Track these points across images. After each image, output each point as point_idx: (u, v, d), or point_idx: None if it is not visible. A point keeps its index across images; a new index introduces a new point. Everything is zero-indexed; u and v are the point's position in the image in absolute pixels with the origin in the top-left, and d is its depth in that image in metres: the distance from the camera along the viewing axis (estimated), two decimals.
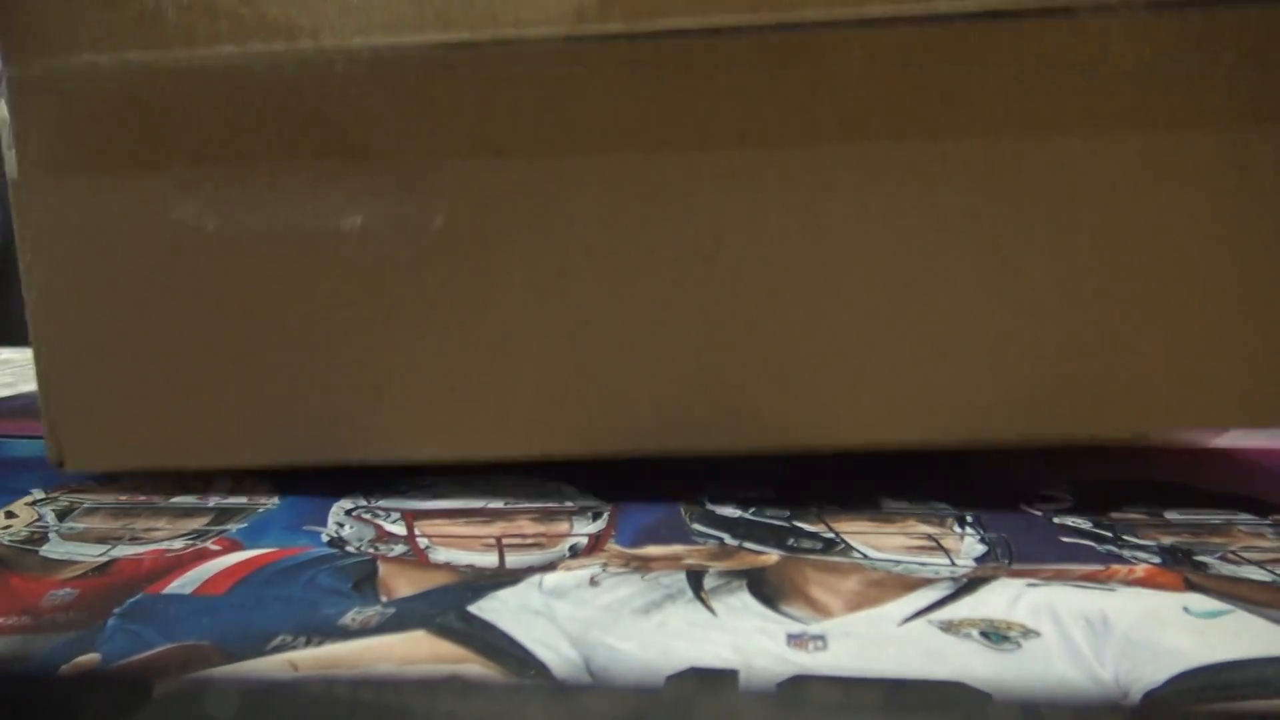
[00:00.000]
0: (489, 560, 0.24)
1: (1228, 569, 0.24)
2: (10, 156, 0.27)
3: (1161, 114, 0.26)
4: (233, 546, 0.25)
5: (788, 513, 0.28)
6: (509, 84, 0.25)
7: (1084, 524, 0.28)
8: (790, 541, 0.26)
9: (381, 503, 0.29)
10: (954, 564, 0.24)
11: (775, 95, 0.25)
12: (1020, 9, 0.25)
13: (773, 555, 0.25)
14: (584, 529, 0.27)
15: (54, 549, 0.25)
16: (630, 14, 0.24)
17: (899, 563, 0.24)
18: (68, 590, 0.22)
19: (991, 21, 0.25)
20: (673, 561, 0.24)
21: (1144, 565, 0.24)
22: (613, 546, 0.25)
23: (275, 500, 0.29)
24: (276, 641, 0.20)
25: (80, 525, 0.26)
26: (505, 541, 0.26)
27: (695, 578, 0.23)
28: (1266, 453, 0.37)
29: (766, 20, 0.24)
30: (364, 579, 0.23)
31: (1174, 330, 0.27)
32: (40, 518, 0.27)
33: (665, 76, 0.24)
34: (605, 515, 0.28)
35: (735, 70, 0.25)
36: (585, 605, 0.22)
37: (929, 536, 0.26)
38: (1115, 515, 0.29)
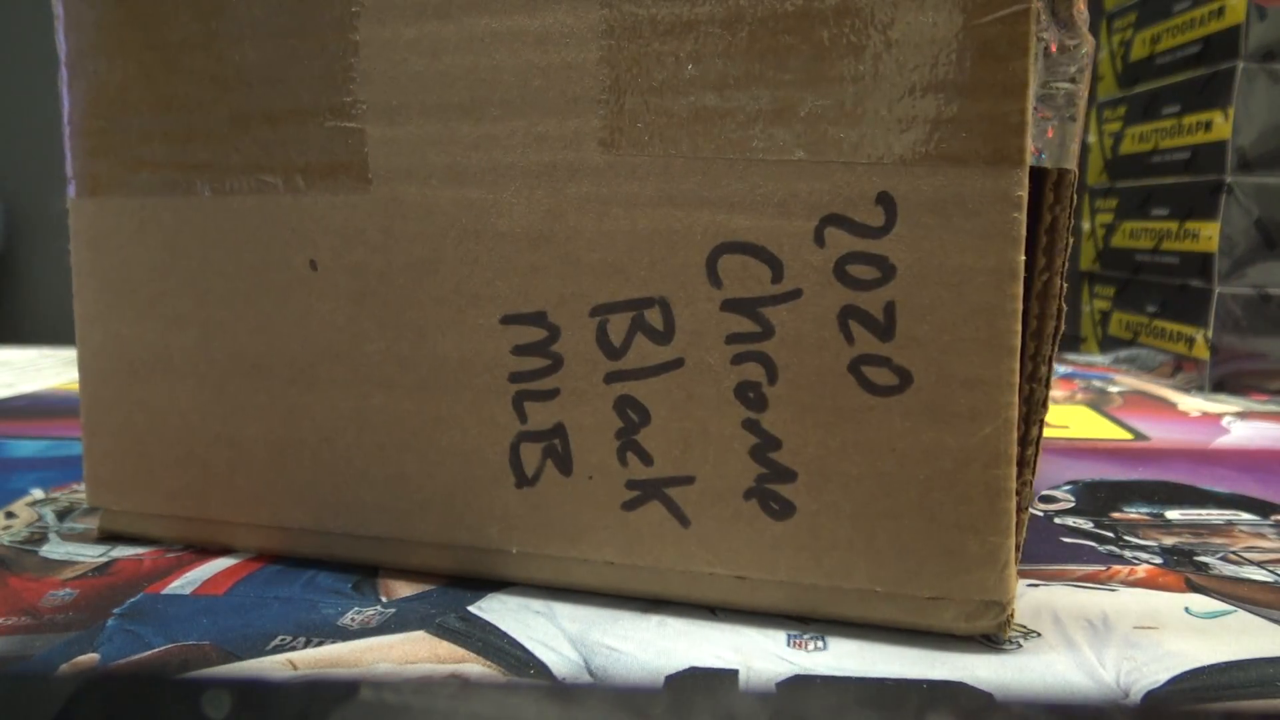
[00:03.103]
0: None
1: (1229, 569, 0.24)
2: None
3: None
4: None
5: None
6: None
7: (1085, 524, 0.28)
8: None
9: None
10: None
11: None
12: None
13: None
14: None
15: (54, 549, 0.25)
16: None
17: None
18: (68, 590, 0.22)
19: None
20: None
21: (1145, 566, 0.24)
22: None
23: None
24: (276, 641, 0.20)
25: (80, 525, 0.26)
26: None
27: None
28: (1267, 453, 0.37)
29: None
30: (364, 579, 0.23)
31: None
32: (40, 518, 0.27)
33: None
34: None
35: None
36: (585, 605, 0.22)
37: None
38: (1116, 516, 0.29)
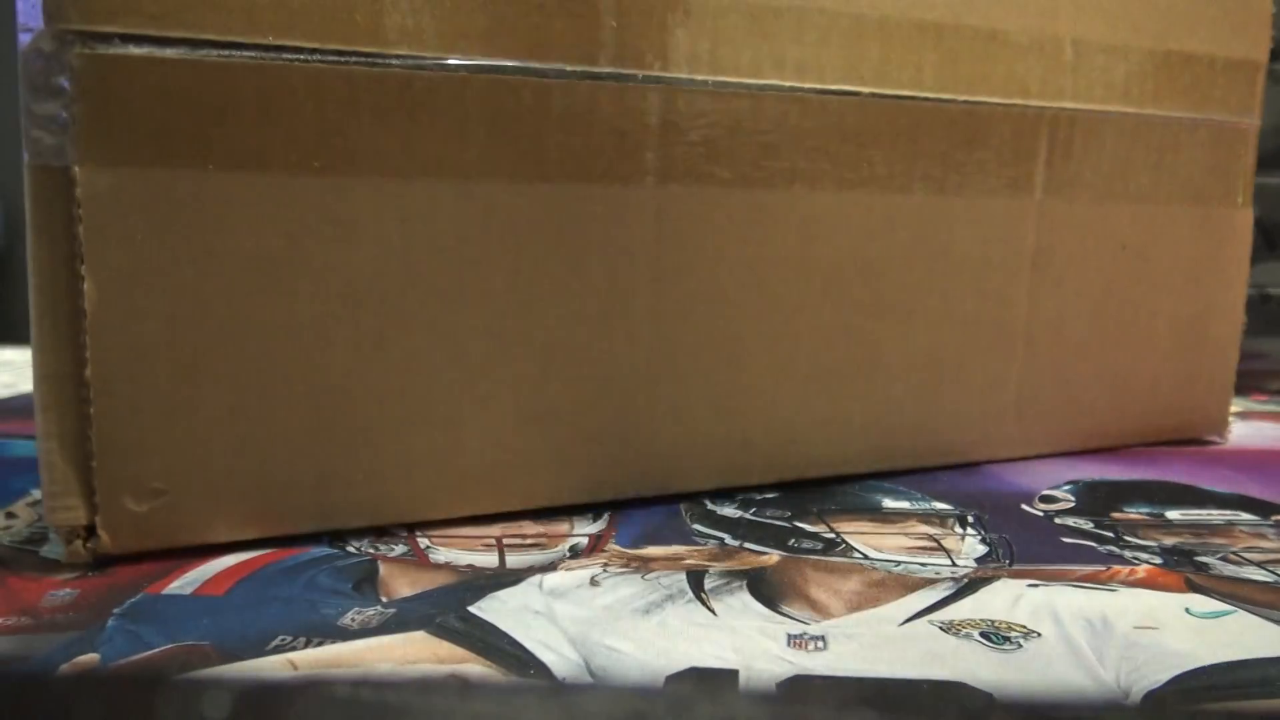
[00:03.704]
0: (489, 560, 0.24)
1: (1229, 570, 0.24)
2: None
3: None
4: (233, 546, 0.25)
5: (789, 513, 0.28)
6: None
7: (1085, 524, 0.28)
8: (791, 542, 0.26)
9: None
10: (955, 564, 0.24)
11: None
12: None
13: (773, 556, 0.25)
14: (584, 529, 0.27)
15: (54, 549, 0.25)
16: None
17: (900, 563, 0.24)
18: (68, 590, 0.22)
19: None
20: (673, 562, 0.24)
21: (1145, 566, 0.24)
22: (613, 547, 0.25)
23: None
24: (276, 641, 0.20)
25: None
26: (505, 541, 0.26)
27: (695, 578, 0.23)
28: (1267, 453, 0.37)
29: None
30: (364, 579, 0.23)
31: None
32: (40, 518, 0.27)
33: None
34: (606, 515, 0.28)
35: None
36: (585, 605, 0.22)
37: (930, 537, 0.26)
38: (1117, 516, 0.29)
